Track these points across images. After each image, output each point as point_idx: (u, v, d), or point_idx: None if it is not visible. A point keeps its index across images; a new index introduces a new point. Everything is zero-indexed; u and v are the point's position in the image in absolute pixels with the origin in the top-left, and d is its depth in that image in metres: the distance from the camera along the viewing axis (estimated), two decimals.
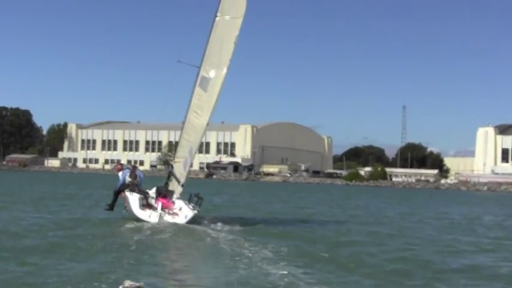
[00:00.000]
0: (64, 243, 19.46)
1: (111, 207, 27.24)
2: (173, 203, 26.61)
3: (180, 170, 27.74)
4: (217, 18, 26.77)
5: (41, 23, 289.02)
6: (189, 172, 28.58)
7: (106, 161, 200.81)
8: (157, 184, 27.83)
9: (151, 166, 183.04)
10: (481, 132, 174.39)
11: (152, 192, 27.20)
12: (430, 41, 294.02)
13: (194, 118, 27.39)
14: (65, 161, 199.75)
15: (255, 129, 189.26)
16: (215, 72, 26.85)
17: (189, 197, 27.18)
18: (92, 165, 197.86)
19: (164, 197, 26.94)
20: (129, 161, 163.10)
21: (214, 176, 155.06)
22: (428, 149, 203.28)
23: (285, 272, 15.48)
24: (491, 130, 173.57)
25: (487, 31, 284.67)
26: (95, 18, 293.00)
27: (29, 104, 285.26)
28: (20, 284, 13.52)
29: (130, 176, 26.98)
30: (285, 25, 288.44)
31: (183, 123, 27.75)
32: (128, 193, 26.72)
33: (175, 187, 27.41)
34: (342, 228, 28.59)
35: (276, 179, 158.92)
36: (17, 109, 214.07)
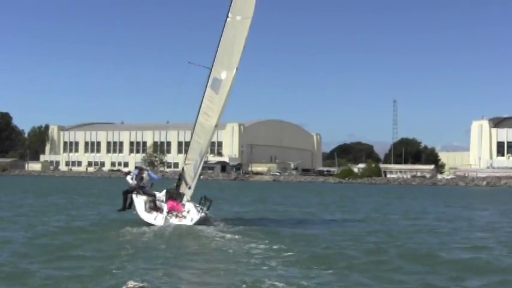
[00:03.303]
0: (69, 245, 19.94)
1: (123, 207, 27.13)
2: (183, 205, 26.27)
3: (189, 172, 27.71)
4: (228, 19, 26.30)
5: (19, 20, 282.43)
6: None
7: (89, 164, 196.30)
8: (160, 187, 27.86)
9: (136, 168, 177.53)
10: (475, 125, 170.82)
11: (162, 194, 26.98)
12: (420, 33, 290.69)
13: (205, 120, 27.19)
14: (46, 165, 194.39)
15: (242, 127, 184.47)
16: (226, 73, 26.61)
17: (199, 199, 27.04)
18: (75, 168, 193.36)
19: (174, 199, 26.57)
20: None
21: (201, 176, 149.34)
22: (423, 144, 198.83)
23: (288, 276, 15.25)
24: (485, 123, 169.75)
25: (478, 22, 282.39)
26: (76, 16, 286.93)
27: (8, 106, 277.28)
28: (35, 285, 13.87)
29: (136, 179, 26.84)
30: (271, 21, 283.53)
31: (194, 125, 27.67)
32: (134, 196, 26.48)
33: (185, 189, 27.28)
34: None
35: (266, 178, 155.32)
36: None
